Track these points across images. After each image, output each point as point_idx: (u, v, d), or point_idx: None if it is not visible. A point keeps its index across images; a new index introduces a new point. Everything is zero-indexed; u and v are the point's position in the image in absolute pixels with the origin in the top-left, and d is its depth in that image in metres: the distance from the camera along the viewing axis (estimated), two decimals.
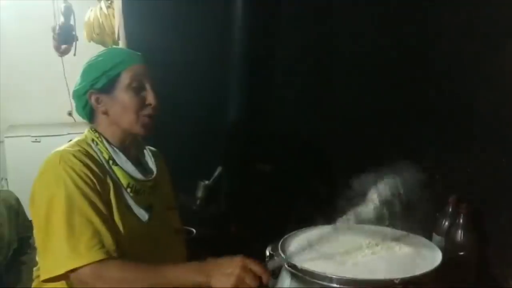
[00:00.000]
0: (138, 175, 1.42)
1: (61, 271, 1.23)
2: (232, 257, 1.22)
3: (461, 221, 1.50)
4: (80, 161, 1.31)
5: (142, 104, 1.39)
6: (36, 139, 3.80)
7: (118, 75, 1.38)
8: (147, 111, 1.40)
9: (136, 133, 1.42)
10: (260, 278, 1.19)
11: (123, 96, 1.38)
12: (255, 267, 1.19)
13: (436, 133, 1.74)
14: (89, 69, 1.41)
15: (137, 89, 1.39)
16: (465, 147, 1.62)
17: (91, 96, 1.40)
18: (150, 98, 1.39)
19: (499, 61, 1.45)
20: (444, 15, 1.69)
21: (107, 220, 1.29)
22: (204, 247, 1.66)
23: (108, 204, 1.32)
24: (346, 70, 2.23)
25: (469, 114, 1.60)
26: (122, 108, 1.38)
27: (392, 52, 1.94)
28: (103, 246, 1.24)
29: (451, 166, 1.67)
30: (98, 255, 1.23)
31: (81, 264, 1.22)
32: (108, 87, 1.38)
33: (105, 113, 1.41)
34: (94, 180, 1.31)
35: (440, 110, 1.73)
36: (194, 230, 1.93)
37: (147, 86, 1.40)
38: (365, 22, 2.08)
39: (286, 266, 1.23)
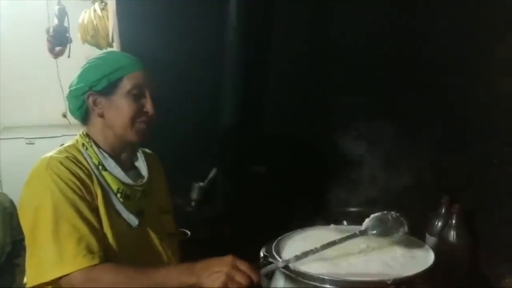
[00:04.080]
0: (128, 180, 1.41)
1: (47, 278, 1.23)
2: (221, 257, 1.23)
3: (453, 221, 1.51)
4: (67, 168, 1.31)
5: (140, 112, 1.39)
6: (30, 141, 3.78)
7: (119, 80, 1.38)
8: (143, 118, 1.40)
9: (129, 139, 1.41)
10: (250, 277, 1.19)
11: (122, 101, 1.38)
12: (244, 266, 1.19)
13: (429, 134, 1.75)
14: (89, 70, 1.41)
15: (137, 96, 1.39)
16: (457, 148, 1.63)
17: (89, 97, 1.40)
18: (149, 106, 1.40)
19: (491, 63, 1.47)
20: (436, 16, 1.70)
21: (94, 227, 1.29)
22: (199, 249, 1.65)
23: (96, 211, 1.32)
24: (340, 72, 2.24)
25: (461, 116, 1.61)
26: (119, 112, 1.38)
27: (384, 56, 1.95)
28: (89, 252, 1.24)
29: (443, 167, 1.68)
30: (84, 262, 1.23)
31: (66, 272, 1.22)
32: (108, 90, 1.38)
33: (101, 115, 1.40)
34: (81, 187, 1.30)
35: (432, 111, 1.74)
36: (189, 232, 1.93)
37: (147, 94, 1.40)
38: (359, 24, 2.09)
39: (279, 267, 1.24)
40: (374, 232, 1.28)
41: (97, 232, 1.29)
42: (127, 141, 1.42)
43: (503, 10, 1.43)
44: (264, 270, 1.23)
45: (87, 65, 1.42)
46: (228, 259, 1.20)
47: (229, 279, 1.17)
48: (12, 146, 3.76)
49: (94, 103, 1.40)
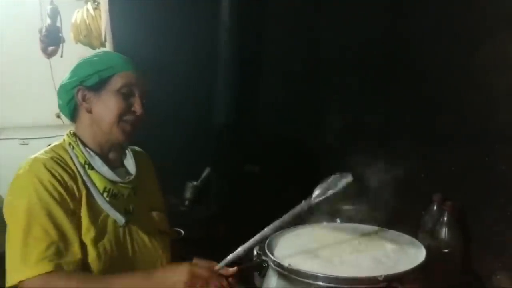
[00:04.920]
0: (115, 178, 1.41)
1: (14, 281, 1.22)
2: (177, 265, 1.25)
3: (445, 218, 1.52)
4: (49, 170, 1.30)
5: (127, 110, 1.39)
6: (24, 142, 3.77)
7: (110, 77, 1.38)
8: (130, 117, 1.40)
9: (114, 137, 1.41)
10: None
11: (110, 98, 1.38)
12: (202, 272, 1.22)
13: (421, 132, 1.76)
14: (82, 65, 1.41)
15: (126, 95, 1.39)
16: (449, 146, 1.64)
17: (79, 92, 1.40)
18: (137, 106, 1.40)
19: (484, 62, 1.48)
20: (425, 16, 1.71)
21: (65, 233, 1.28)
22: (193, 248, 1.66)
23: (76, 214, 1.31)
24: (332, 73, 2.25)
25: (454, 114, 1.62)
26: (107, 109, 1.38)
27: (377, 56, 1.96)
28: (55, 258, 1.24)
29: (436, 165, 1.69)
30: (47, 267, 1.22)
31: (29, 276, 1.21)
32: (98, 87, 1.38)
33: (89, 111, 1.40)
34: (62, 191, 1.30)
35: (424, 109, 1.75)
36: (182, 231, 1.93)
37: (136, 94, 1.41)
38: (351, 25, 2.09)
39: (272, 265, 1.25)
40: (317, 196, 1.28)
41: (68, 238, 1.28)
42: (113, 139, 1.42)
43: (493, 8, 1.44)
44: (218, 266, 1.25)
45: (81, 61, 1.43)
46: (185, 268, 1.22)
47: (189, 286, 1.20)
48: (6, 147, 3.75)
49: (83, 98, 1.40)
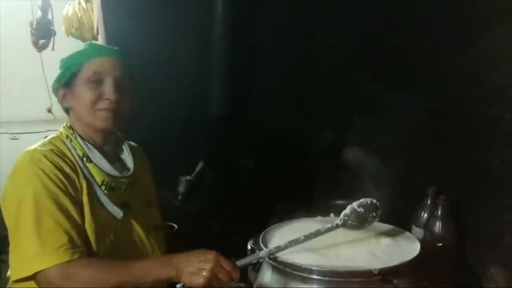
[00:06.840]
0: (113, 172, 1.40)
1: (29, 272, 1.21)
2: (203, 251, 1.20)
3: (439, 212, 1.52)
4: (51, 161, 1.29)
5: (99, 98, 1.37)
6: (14, 136, 3.74)
7: (79, 70, 1.37)
8: (103, 105, 1.37)
9: (95, 126, 1.39)
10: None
11: (81, 89, 1.37)
12: (227, 263, 1.17)
13: (415, 126, 1.75)
14: (60, 64, 1.42)
15: (96, 83, 1.37)
16: (443, 140, 1.64)
17: (59, 92, 1.41)
18: (108, 92, 1.36)
19: (478, 56, 1.48)
20: (423, 10, 1.71)
21: (76, 222, 1.27)
22: (186, 242, 1.65)
23: (79, 204, 1.31)
24: (328, 67, 2.24)
25: (448, 108, 1.62)
26: (80, 101, 1.37)
27: (373, 50, 1.95)
28: (70, 247, 1.22)
29: (430, 159, 1.69)
30: (65, 256, 1.21)
31: (47, 266, 1.20)
32: (70, 82, 1.38)
33: (71, 108, 1.41)
34: (65, 181, 1.29)
35: (419, 104, 1.75)
36: (176, 226, 1.92)
37: (107, 80, 1.37)
38: (347, 20, 2.09)
39: (267, 258, 1.24)
40: (353, 223, 1.31)
41: (79, 226, 1.28)
42: (96, 129, 1.40)
43: (486, 2, 1.44)
44: (240, 262, 1.20)
45: (61, 59, 1.43)
46: (212, 255, 1.17)
47: (213, 277, 1.15)
48: None
49: (63, 97, 1.41)
